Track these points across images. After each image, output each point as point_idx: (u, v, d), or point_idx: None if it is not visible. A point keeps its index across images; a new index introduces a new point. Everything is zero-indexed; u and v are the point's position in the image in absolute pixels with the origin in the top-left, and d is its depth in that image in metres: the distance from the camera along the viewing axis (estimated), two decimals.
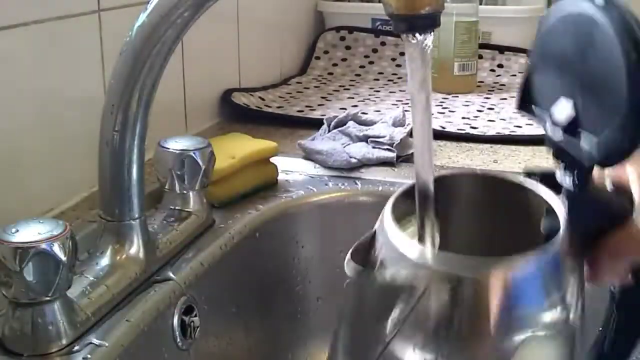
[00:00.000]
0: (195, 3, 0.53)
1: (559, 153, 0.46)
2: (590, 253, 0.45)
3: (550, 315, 0.42)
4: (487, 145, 0.94)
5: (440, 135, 0.98)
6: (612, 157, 0.42)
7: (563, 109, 0.44)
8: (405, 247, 0.43)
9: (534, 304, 0.41)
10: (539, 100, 0.47)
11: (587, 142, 0.43)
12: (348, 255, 0.45)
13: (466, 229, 0.52)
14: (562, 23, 0.44)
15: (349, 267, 0.45)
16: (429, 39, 0.44)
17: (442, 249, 0.47)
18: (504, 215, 0.50)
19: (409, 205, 0.47)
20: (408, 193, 0.47)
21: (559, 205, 0.45)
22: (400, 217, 0.47)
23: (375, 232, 0.46)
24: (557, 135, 0.45)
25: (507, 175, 0.50)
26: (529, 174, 0.49)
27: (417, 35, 0.43)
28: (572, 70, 0.44)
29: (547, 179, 0.47)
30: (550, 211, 0.46)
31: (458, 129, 1.00)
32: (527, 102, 0.48)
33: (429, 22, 0.43)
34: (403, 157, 0.87)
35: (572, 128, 0.44)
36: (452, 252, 0.43)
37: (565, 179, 0.46)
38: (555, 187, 0.46)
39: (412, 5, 0.43)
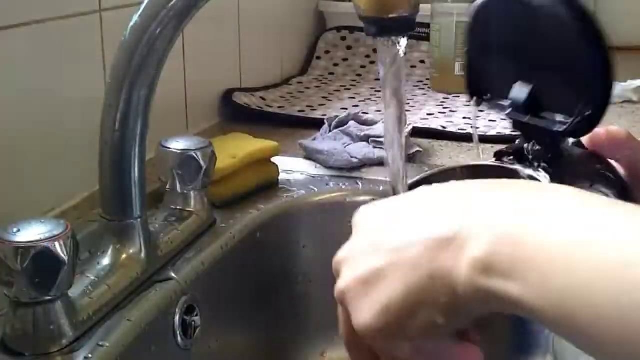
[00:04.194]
0: (186, 4, 0.53)
1: (527, 131, 0.46)
2: None
3: None
4: (488, 145, 0.94)
5: (441, 135, 0.98)
6: (585, 128, 0.43)
7: (522, 94, 0.44)
8: None
9: None
10: (491, 88, 0.47)
11: (556, 121, 0.43)
12: None
13: None
14: (492, 10, 0.44)
15: None
16: (403, 43, 0.43)
17: None
18: None
19: None
20: None
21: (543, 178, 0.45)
22: None
23: None
24: (523, 118, 0.45)
25: (484, 163, 0.50)
26: (501, 155, 0.49)
27: (390, 39, 0.42)
28: (520, 54, 0.44)
29: (519, 155, 0.47)
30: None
31: (459, 129, 1.00)
32: (479, 95, 0.48)
33: (401, 26, 0.42)
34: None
35: (536, 110, 0.45)
36: None
37: (536, 152, 0.46)
38: (529, 162, 0.47)
39: (381, 8, 0.42)
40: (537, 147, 0.46)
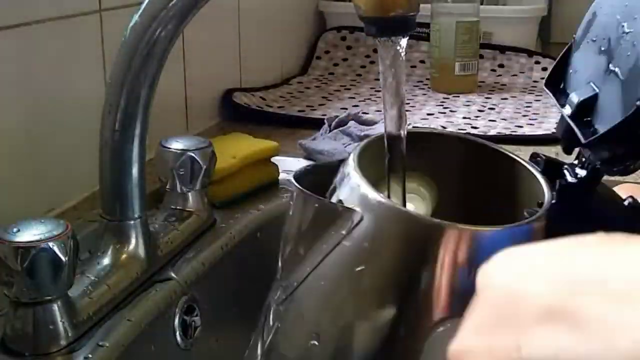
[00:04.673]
0: (186, 4, 0.53)
1: (572, 146, 0.43)
2: None
3: None
4: None
5: None
6: (607, 162, 0.41)
7: (582, 96, 0.41)
8: (365, 189, 0.41)
9: None
10: (569, 81, 0.44)
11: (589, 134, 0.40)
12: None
13: (449, 195, 0.51)
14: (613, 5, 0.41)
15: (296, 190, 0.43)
16: (403, 42, 0.43)
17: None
18: (492, 186, 0.49)
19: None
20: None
21: (546, 189, 0.44)
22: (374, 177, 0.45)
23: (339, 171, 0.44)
24: (566, 123, 0.42)
25: (501, 148, 0.49)
26: (535, 157, 0.47)
27: (390, 39, 0.42)
28: (608, 54, 0.41)
29: (551, 166, 0.45)
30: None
31: (459, 129, 1.00)
32: (555, 81, 0.45)
33: (401, 26, 0.42)
34: None
35: (582, 116, 0.41)
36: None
37: (572, 172, 0.44)
38: (554, 178, 0.44)
39: (381, 8, 0.42)
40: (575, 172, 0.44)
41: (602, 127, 0.40)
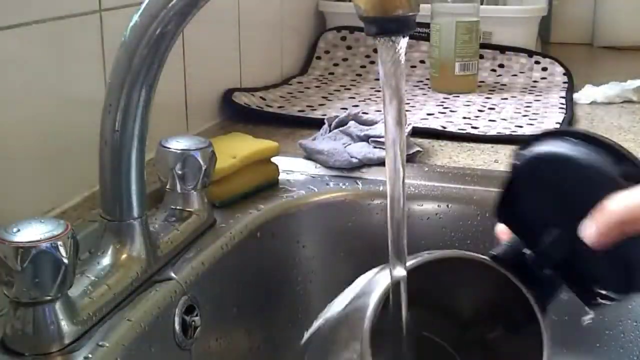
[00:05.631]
0: (186, 4, 0.53)
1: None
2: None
3: None
4: (489, 145, 0.94)
5: (441, 135, 0.98)
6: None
7: (556, 245, 0.44)
8: None
9: None
10: (521, 216, 0.46)
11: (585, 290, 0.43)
12: None
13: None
14: (542, 163, 0.44)
15: None
16: (403, 42, 0.42)
17: None
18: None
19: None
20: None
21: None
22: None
23: None
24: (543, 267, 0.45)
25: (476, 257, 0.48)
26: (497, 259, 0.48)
27: (390, 39, 0.42)
28: (563, 202, 0.43)
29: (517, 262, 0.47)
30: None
31: (459, 129, 1.00)
32: (508, 215, 0.47)
33: (401, 26, 0.42)
34: None
35: (566, 268, 0.44)
36: None
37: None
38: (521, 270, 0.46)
39: (381, 8, 0.42)
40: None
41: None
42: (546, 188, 0.44)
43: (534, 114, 1.09)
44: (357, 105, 1.13)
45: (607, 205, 0.39)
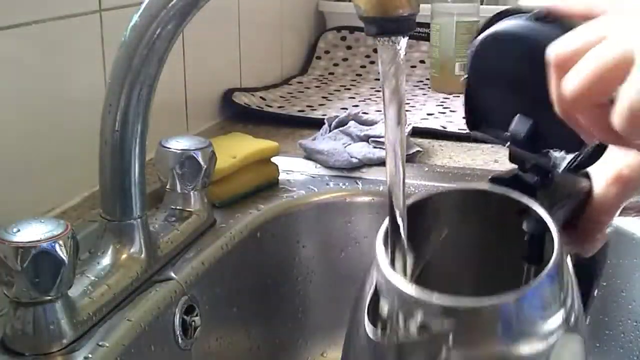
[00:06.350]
0: (186, 4, 0.53)
1: (524, 163, 0.47)
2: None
3: (557, 329, 0.41)
4: (489, 145, 0.94)
5: (441, 135, 0.98)
6: (586, 164, 0.45)
7: (522, 128, 0.45)
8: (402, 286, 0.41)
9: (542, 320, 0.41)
10: (491, 119, 0.47)
11: (557, 157, 0.44)
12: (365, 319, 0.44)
13: (455, 248, 0.52)
14: (497, 43, 0.45)
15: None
16: (403, 43, 0.42)
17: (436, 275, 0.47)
18: (491, 228, 0.50)
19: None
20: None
21: (542, 212, 0.45)
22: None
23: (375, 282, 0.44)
24: (520, 151, 0.46)
25: (480, 186, 0.49)
26: (495, 180, 0.49)
27: (389, 39, 0.42)
28: (523, 88, 0.44)
29: (514, 182, 0.48)
30: (529, 212, 0.46)
31: (459, 129, 1.00)
32: (478, 123, 0.48)
33: (401, 26, 0.42)
34: None
35: (535, 145, 0.45)
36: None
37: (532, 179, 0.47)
38: (524, 188, 0.47)
39: (381, 8, 0.42)
40: (535, 178, 0.47)
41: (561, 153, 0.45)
42: (501, 71, 0.45)
43: None
44: (357, 105, 1.13)
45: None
